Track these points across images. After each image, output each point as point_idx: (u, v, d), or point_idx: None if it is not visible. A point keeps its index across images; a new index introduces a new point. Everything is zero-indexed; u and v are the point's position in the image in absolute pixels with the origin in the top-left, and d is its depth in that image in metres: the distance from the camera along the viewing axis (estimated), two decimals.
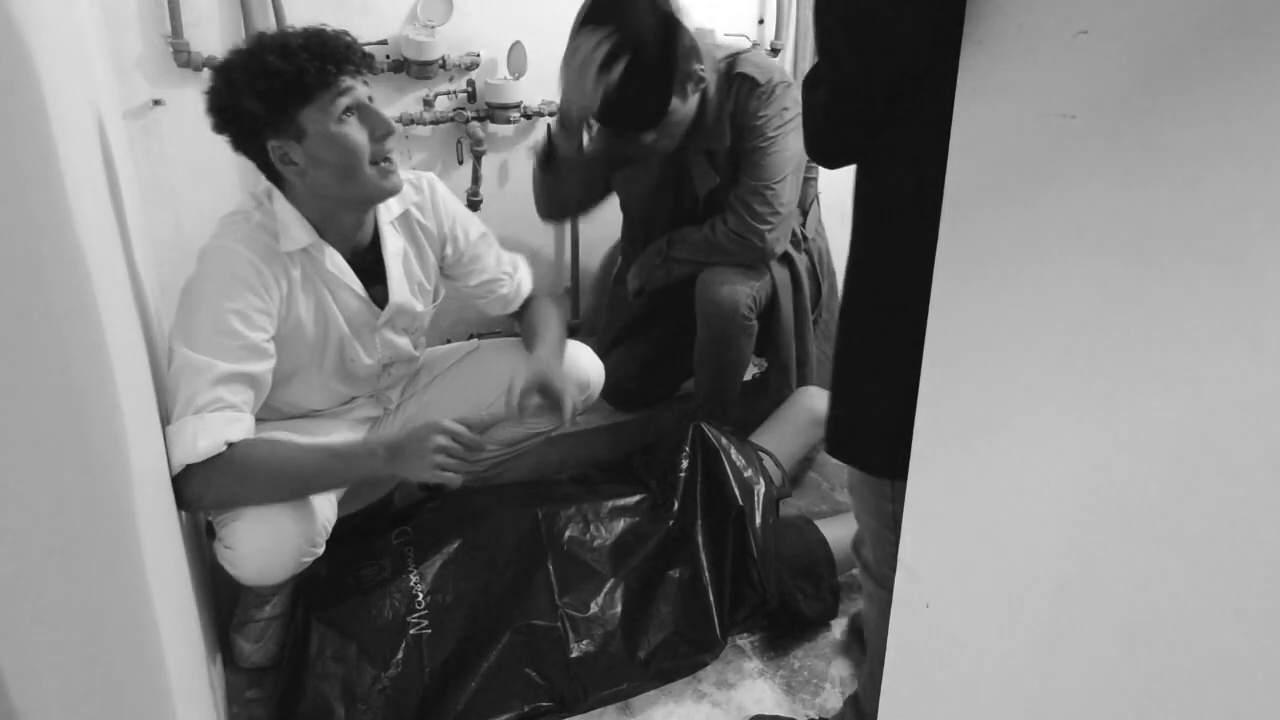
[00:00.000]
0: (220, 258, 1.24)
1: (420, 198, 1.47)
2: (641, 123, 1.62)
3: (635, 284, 1.97)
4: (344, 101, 1.20)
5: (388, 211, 1.42)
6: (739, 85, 1.72)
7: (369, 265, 1.40)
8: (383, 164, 1.27)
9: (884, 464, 0.95)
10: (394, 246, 1.42)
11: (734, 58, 1.76)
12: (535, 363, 1.46)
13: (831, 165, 0.98)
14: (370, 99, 1.25)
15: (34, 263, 0.54)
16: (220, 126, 1.24)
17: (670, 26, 1.57)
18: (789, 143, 1.72)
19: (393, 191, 1.31)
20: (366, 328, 1.43)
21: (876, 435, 0.94)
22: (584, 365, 1.65)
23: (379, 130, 1.24)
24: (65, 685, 0.49)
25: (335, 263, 1.34)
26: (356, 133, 1.22)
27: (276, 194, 1.31)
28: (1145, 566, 0.54)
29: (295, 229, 1.29)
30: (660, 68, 1.57)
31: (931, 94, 0.78)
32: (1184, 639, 0.52)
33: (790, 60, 2.53)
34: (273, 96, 1.17)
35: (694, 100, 1.69)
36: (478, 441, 1.28)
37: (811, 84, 0.92)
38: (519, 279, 1.62)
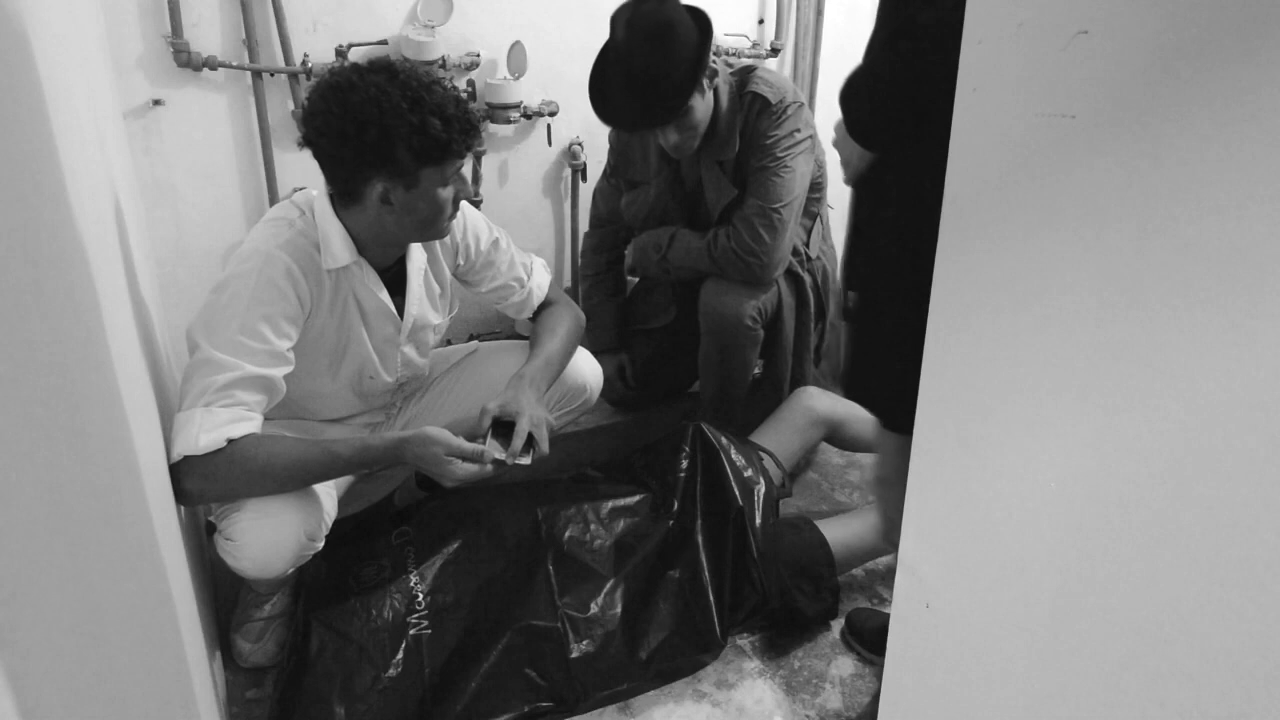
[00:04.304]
0: (260, 261, 1.24)
1: None
2: (664, 115, 1.64)
3: (629, 262, 2.02)
4: (455, 170, 1.30)
5: None
6: (750, 103, 1.72)
7: (390, 280, 1.42)
8: (452, 220, 1.37)
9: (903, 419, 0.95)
10: (418, 262, 1.45)
11: (746, 74, 1.76)
12: (506, 391, 1.43)
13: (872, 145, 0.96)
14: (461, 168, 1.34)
15: (34, 261, 0.54)
16: (338, 150, 1.23)
17: (702, 21, 1.64)
18: (797, 164, 1.71)
19: (443, 237, 1.41)
20: (389, 344, 1.45)
21: (892, 392, 0.93)
22: (582, 369, 1.65)
23: (463, 195, 1.36)
24: (79, 686, 0.49)
25: (372, 282, 1.37)
26: (450, 196, 1.31)
27: (320, 208, 1.31)
28: (1145, 566, 0.54)
29: (338, 246, 1.31)
30: (690, 58, 1.62)
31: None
32: (1184, 639, 0.52)
33: (790, 60, 2.53)
34: (421, 154, 1.23)
35: (710, 99, 1.70)
36: (477, 454, 1.28)
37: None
38: (531, 286, 1.62)
